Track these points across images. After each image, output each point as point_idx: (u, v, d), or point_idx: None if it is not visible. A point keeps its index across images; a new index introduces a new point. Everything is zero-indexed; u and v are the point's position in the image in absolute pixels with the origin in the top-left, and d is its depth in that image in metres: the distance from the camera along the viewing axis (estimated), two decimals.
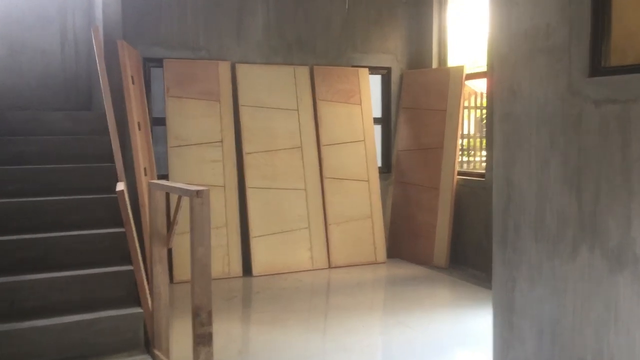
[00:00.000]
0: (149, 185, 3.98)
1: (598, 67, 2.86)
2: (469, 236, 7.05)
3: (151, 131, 6.71)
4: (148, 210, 4.14)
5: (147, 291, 4.15)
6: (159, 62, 6.72)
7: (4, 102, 6.01)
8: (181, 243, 6.25)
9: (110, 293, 4.25)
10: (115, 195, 4.21)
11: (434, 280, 6.67)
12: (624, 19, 2.82)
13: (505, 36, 3.34)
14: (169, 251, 5.97)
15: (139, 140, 5.51)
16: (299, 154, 7.12)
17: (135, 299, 4.24)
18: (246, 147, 6.89)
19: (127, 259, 4.40)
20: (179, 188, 3.61)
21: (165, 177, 6.61)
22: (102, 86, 4.65)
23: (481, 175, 6.98)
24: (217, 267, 6.62)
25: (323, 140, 7.26)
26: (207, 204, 3.44)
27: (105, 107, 4.67)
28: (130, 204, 5.29)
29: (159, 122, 6.78)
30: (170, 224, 4.02)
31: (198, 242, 3.42)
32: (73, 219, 4.57)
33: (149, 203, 4.02)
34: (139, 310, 4.13)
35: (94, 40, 4.65)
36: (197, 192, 3.40)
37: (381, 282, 6.74)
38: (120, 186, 4.18)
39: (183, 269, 6.41)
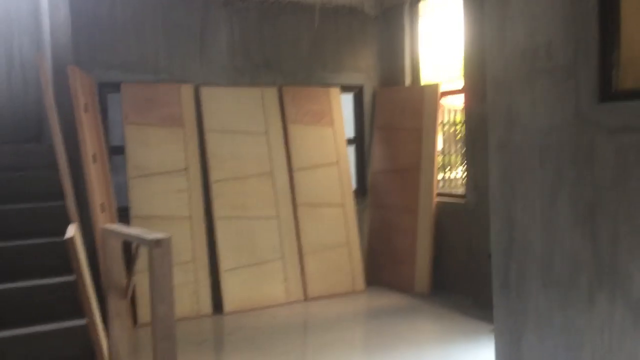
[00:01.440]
0: (102, 231, 3.52)
1: (609, 90, 2.53)
2: (452, 260, 6.72)
3: (109, 161, 6.24)
4: (102, 258, 3.67)
5: (104, 350, 3.67)
6: (116, 87, 6.24)
7: None
8: (144, 282, 5.77)
9: (63, 353, 3.75)
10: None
11: (417, 310, 6.30)
12: (637, 33, 2.50)
13: (499, 56, 3.00)
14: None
15: (94, 173, 5.04)
16: (269, 180, 6.71)
17: (90, 358, 3.75)
18: (213, 175, 6.44)
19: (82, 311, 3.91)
20: (136, 236, 3.16)
21: (126, 209, 6.12)
22: (48, 116, 4.18)
23: (461, 196, 6.67)
24: (185, 305, 6.14)
25: (294, 165, 6.86)
26: (168, 254, 3.00)
27: (54, 139, 4.20)
28: (87, 246, 4.80)
29: (118, 150, 6.29)
30: (129, 274, 3.57)
31: (159, 299, 2.98)
32: (19, 267, 4.06)
33: (103, 251, 3.56)
34: None
35: (39, 68, 4.18)
36: (157, 241, 2.96)
37: (361, 315, 6.33)
38: (71, 231, 3.70)
39: (148, 310, 5.90)
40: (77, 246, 3.63)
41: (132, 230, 3.28)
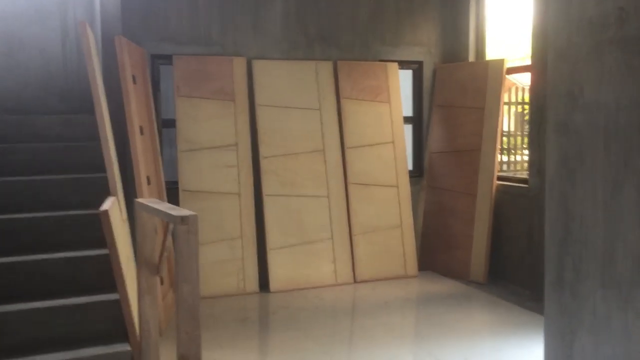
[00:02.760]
0: (135, 204, 3.42)
1: None
2: (510, 249, 6.34)
3: (160, 134, 6.20)
4: (137, 231, 3.58)
5: (136, 325, 3.60)
6: (168, 59, 6.17)
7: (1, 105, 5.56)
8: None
9: (97, 326, 3.71)
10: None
11: (471, 298, 5.99)
12: None
13: (563, 26, 2.66)
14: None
15: (140, 146, 4.98)
16: (321, 157, 6.50)
17: (123, 333, 3.70)
18: (263, 151, 6.30)
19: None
20: (163, 211, 3.03)
21: (176, 183, 6.08)
22: (92, 86, 4.11)
23: (524, 181, 6.25)
24: (232, 282, 6.07)
25: (347, 143, 6.62)
26: (194, 232, 2.84)
27: (96, 109, 4.13)
28: (131, 218, 4.76)
29: (169, 124, 6.24)
30: (161, 250, 3.46)
31: (183, 277, 2.83)
32: (57, 239, 4.05)
33: (137, 224, 3.46)
34: (126, 348, 3.59)
35: (82, 37, 4.11)
36: (182, 218, 2.81)
37: (412, 301, 6.08)
38: (107, 204, 3.63)
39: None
40: (112, 219, 3.55)
41: (161, 206, 3.16)
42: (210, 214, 6.05)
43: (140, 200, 3.42)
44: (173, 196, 5.98)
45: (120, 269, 3.54)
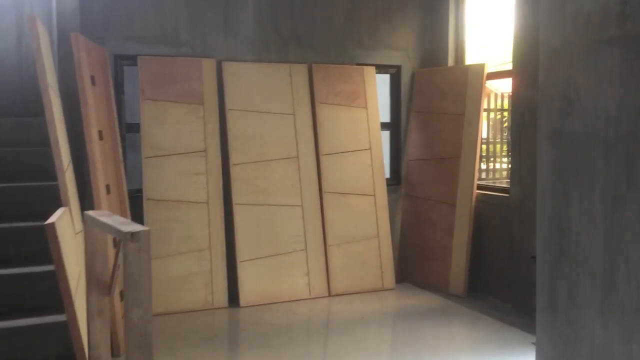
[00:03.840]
0: (84, 216, 3.09)
1: None
2: (491, 260, 6.11)
3: (124, 139, 5.85)
4: (84, 248, 3.24)
5: (85, 350, 3.26)
6: (132, 59, 5.82)
7: None
8: (156, 266, 5.41)
9: (43, 351, 3.36)
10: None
11: (451, 313, 5.73)
12: None
13: (556, 23, 2.40)
14: None
15: (99, 151, 4.63)
16: (294, 164, 6.20)
17: (72, 359, 3.35)
18: (234, 158, 5.98)
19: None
20: (111, 226, 2.70)
21: (140, 191, 5.73)
22: (41, 86, 3.76)
23: (505, 190, 6.03)
24: (199, 296, 5.73)
25: (323, 149, 6.34)
26: (145, 249, 2.52)
27: (46, 112, 3.78)
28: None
29: (134, 128, 5.89)
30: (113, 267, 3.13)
31: (134, 301, 2.51)
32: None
33: (86, 239, 3.13)
34: None
35: (30, 32, 3.76)
36: (132, 234, 2.49)
37: (389, 316, 5.80)
38: (54, 216, 3.29)
39: (160, 297, 5.53)
40: (60, 233, 3.21)
41: (111, 219, 2.83)
42: (177, 224, 5.71)
43: (90, 212, 3.09)
44: (137, 205, 5.64)
45: (67, 288, 3.20)
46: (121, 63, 5.86)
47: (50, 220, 3.19)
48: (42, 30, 3.92)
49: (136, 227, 2.59)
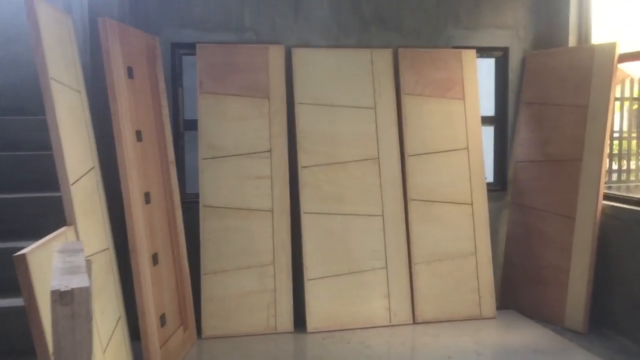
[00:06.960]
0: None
1: None
2: (619, 290, 4.85)
3: (183, 137, 5.24)
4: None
5: None
6: (192, 47, 5.18)
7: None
8: (212, 283, 4.76)
9: None
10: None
11: (567, 354, 4.56)
12: None
13: None
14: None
15: (133, 155, 3.99)
16: (374, 167, 5.28)
17: None
18: (303, 159, 5.16)
19: None
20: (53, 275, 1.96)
21: (196, 196, 5.09)
22: (40, 80, 3.13)
23: None
24: (261, 319, 4.99)
25: (409, 149, 5.35)
26: (84, 315, 1.76)
27: (46, 110, 3.15)
28: (118, 245, 3.81)
29: (193, 125, 5.25)
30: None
31: None
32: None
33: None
34: None
35: (28, 13, 3.14)
36: (62, 294, 1.74)
37: (487, 355, 4.72)
38: (35, 244, 2.63)
39: (214, 319, 4.88)
40: (34, 267, 2.54)
41: (60, 259, 2.10)
42: (236, 235, 5.01)
43: (57, 244, 2.38)
44: (194, 213, 5.00)
45: (40, 328, 2.52)
46: (179, 52, 5.23)
47: (24, 250, 2.53)
48: (47, 13, 3.30)
49: (75, 281, 1.83)
